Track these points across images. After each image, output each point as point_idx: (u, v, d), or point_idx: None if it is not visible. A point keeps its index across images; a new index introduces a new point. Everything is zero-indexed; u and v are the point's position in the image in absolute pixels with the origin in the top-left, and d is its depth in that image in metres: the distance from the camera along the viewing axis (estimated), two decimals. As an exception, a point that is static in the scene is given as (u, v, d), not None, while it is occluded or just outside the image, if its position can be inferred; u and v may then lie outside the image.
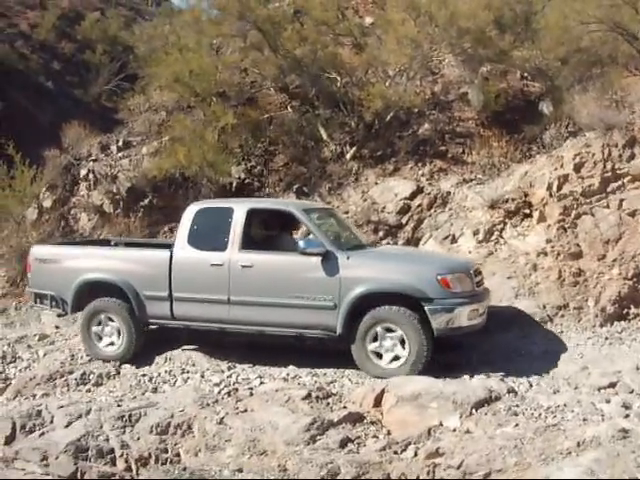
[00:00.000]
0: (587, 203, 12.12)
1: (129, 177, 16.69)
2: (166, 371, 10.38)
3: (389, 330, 9.56)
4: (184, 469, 7.61)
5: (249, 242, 10.39)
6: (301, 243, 9.96)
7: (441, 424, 7.86)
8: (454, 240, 12.98)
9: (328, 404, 8.69)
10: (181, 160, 15.11)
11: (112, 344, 10.98)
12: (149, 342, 11.09)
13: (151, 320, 10.91)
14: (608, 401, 8.33)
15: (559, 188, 12.27)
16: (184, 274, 10.56)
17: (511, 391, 8.60)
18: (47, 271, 11.49)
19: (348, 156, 15.72)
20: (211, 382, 9.74)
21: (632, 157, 12.14)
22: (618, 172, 12.13)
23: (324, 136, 16.12)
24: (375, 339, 9.63)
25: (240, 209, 10.53)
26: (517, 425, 7.59)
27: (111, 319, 10.94)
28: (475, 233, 12.78)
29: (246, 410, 8.60)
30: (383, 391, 8.58)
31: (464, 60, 16.26)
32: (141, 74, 21.62)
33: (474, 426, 7.71)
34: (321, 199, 14.94)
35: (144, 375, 10.30)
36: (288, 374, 9.94)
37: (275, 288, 10.05)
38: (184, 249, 10.64)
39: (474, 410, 8.01)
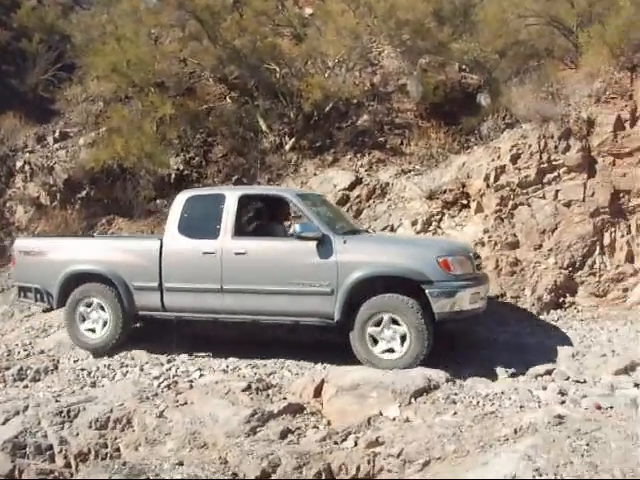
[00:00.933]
0: (523, 194, 12.31)
1: (66, 169, 16.48)
2: (105, 365, 10.23)
3: (390, 320, 9.15)
4: (124, 464, 7.49)
5: (241, 229, 10.11)
6: (297, 227, 9.57)
7: (381, 413, 7.89)
8: (392, 230, 13.06)
9: (268, 395, 8.67)
10: (119, 151, 14.95)
11: (95, 331, 10.64)
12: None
13: (141, 312, 10.57)
14: (545, 388, 8.49)
15: (496, 179, 12.43)
16: (175, 263, 10.24)
17: (450, 380, 8.65)
18: (31, 263, 11.09)
19: (287, 147, 15.74)
20: (150, 375, 9.65)
21: (567, 149, 12.35)
22: (554, 163, 12.33)
23: (263, 127, 16.11)
24: (375, 327, 9.22)
25: (232, 195, 10.23)
26: (456, 413, 7.66)
27: (100, 306, 10.59)
28: (413, 223, 12.86)
29: (186, 403, 8.54)
30: (323, 381, 8.60)
31: (403, 52, 16.35)
32: (78, 64, 21.23)
33: (413, 415, 7.76)
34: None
35: (82, 369, 10.15)
36: (228, 366, 9.91)
37: (270, 275, 9.70)
38: (175, 238, 10.31)
39: (413, 399, 8.05)
